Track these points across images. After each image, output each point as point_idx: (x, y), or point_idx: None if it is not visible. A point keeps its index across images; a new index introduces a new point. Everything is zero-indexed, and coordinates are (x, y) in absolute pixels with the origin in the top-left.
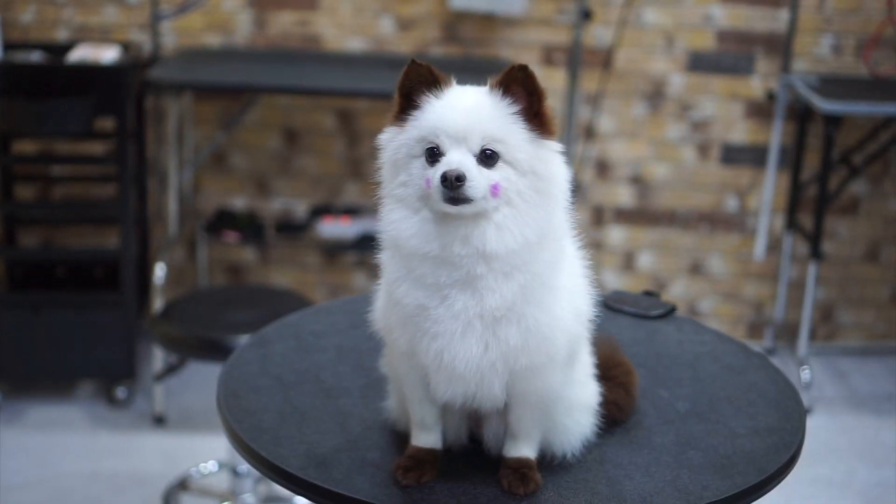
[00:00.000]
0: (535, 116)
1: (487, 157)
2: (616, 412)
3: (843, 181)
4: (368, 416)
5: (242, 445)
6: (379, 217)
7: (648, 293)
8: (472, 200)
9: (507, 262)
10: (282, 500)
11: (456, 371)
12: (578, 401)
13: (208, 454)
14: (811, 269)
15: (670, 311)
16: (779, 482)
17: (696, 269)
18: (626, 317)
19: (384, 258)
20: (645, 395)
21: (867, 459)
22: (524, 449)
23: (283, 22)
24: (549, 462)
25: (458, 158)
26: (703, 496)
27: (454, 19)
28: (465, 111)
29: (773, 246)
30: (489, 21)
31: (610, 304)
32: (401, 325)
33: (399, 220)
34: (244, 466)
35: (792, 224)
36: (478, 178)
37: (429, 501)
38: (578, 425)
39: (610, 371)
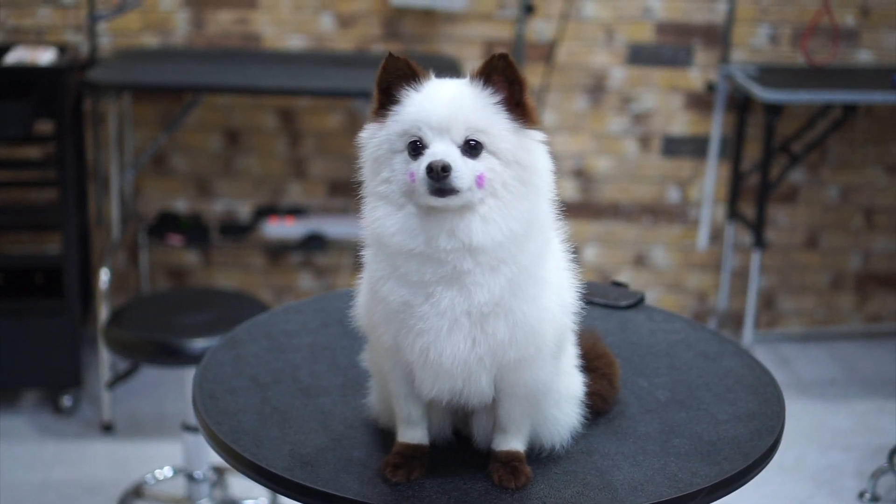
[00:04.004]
0: (517, 106)
1: (471, 148)
2: (600, 403)
3: (783, 170)
4: (350, 415)
5: (224, 448)
6: (361, 215)
7: (617, 283)
8: (458, 191)
9: (494, 256)
10: None
11: (443, 368)
12: (566, 392)
13: (159, 460)
14: (754, 258)
15: (639, 301)
16: (764, 466)
17: (640, 261)
18: (596, 308)
19: (367, 256)
20: (625, 385)
21: (815, 444)
22: (513, 442)
23: (222, 21)
24: (537, 454)
25: (443, 149)
26: (693, 483)
27: (395, 15)
28: (446, 102)
29: (716, 236)
30: (430, 17)
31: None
32: (385, 322)
33: (383, 217)
34: (200, 471)
35: (734, 213)
36: (463, 169)
37: (420, 498)
38: (566, 416)
39: (593, 362)
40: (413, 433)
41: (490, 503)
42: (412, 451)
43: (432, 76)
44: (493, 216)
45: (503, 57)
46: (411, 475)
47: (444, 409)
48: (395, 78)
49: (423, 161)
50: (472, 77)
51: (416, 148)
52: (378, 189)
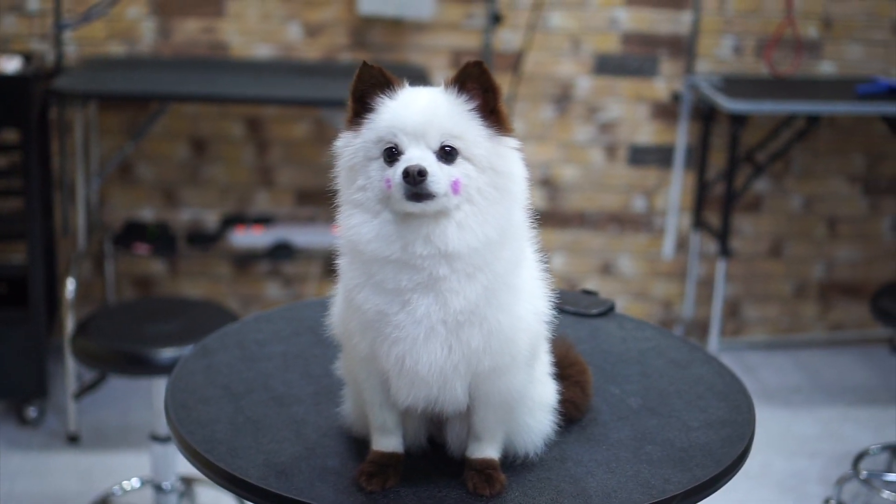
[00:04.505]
0: (492, 113)
1: (447, 154)
2: (573, 410)
3: (747, 179)
4: (323, 423)
5: (198, 458)
6: (336, 223)
7: (587, 292)
8: (434, 196)
9: (470, 263)
10: None
11: (419, 376)
12: (540, 400)
13: (126, 471)
14: (720, 267)
15: (610, 309)
16: (735, 473)
17: (606, 270)
18: (566, 316)
19: (342, 264)
20: (597, 393)
21: (781, 451)
22: (488, 450)
23: (189, 29)
24: (511, 462)
25: (419, 154)
26: (666, 489)
27: (362, 25)
28: (421, 109)
29: (681, 244)
30: (398, 26)
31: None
32: (360, 331)
33: (358, 225)
34: (168, 482)
35: (699, 222)
36: (439, 174)
37: None
38: (540, 424)
39: (565, 370)
40: (388, 441)
41: None
42: (387, 459)
43: (406, 84)
44: (469, 222)
45: (478, 64)
46: (386, 483)
47: (419, 417)
48: (369, 86)
49: (399, 166)
50: (447, 84)
51: (391, 154)
52: (354, 197)
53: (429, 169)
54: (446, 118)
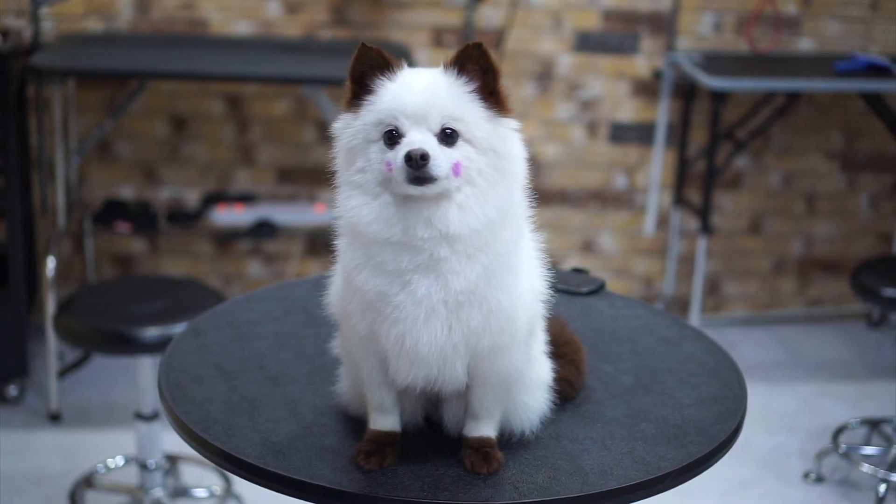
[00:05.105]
0: (492, 95)
1: (447, 136)
2: (568, 388)
3: (728, 156)
4: (319, 402)
5: (194, 437)
6: (334, 205)
7: (577, 270)
8: (436, 179)
9: (470, 244)
10: (191, 492)
11: (419, 355)
12: (536, 378)
13: (108, 450)
14: (701, 243)
15: (600, 287)
16: (729, 449)
17: (587, 247)
18: (557, 294)
19: (341, 245)
20: (590, 371)
21: (761, 426)
22: (485, 428)
23: (167, 6)
24: (508, 440)
25: (420, 138)
26: (661, 466)
27: (343, 2)
28: (422, 91)
29: (662, 221)
30: (378, 3)
31: None
32: (360, 311)
33: (358, 207)
34: (153, 460)
35: (679, 199)
36: (441, 157)
37: (393, 485)
38: (536, 402)
39: (560, 348)
40: (385, 420)
41: (463, 488)
42: (384, 437)
43: (405, 66)
44: (470, 204)
45: (478, 46)
46: (384, 462)
47: (417, 396)
48: (368, 68)
49: (401, 150)
50: (446, 66)
51: (392, 137)
52: (353, 179)
53: (431, 153)
54: (447, 100)
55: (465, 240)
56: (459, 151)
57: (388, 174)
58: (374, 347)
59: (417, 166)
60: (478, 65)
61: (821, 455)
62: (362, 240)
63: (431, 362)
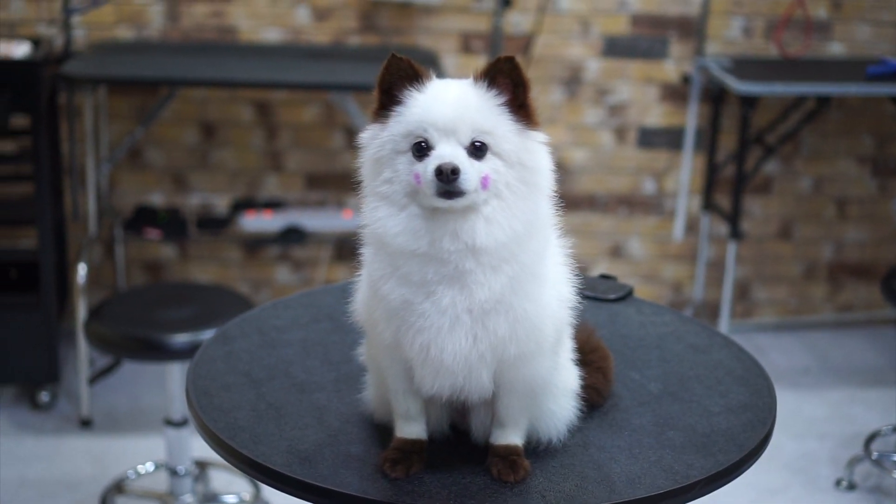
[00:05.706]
0: (521, 108)
1: (477, 150)
2: (595, 396)
3: (757, 161)
4: (345, 410)
5: (221, 445)
6: (360, 214)
7: (605, 276)
8: (465, 193)
9: (496, 256)
10: (220, 498)
11: (443, 364)
12: (563, 386)
13: (138, 456)
14: (730, 249)
15: (628, 294)
16: (758, 458)
17: (616, 252)
18: (585, 301)
19: (367, 254)
20: (617, 378)
21: (790, 432)
22: (512, 436)
23: (197, 14)
24: (535, 448)
25: (450, 151)
26: (689, 475)
27: (371, 8)
28: (452, 103)
29: (691, 226)
30: (406, 9)
31: None
32: (385, 319)
33: (385, 218)
34: (182, 466)
35: (709, 205)
36: (470, 171)
37: (419, 493)
38: (563, 410)
39: (587, 356)
40: (412, 428)
41: (490, 497)
42: (410, 445)
43: (434, 77)
44: (497, 217)
45: (509, 59)
46: (410, 470)
47: (443, 404)
48: (397, 78)
49: (431, 163)
50: (476, 78)
51: (420, 149)
52: (380, 189)
53: (461, 167)
54: (477, 114)
55: (491, 252)
56: (488, 164)
57: (416, 186)
58: (399, 355)
59: (448, 180)
60: (509, 78)
61: (852, 462)
62: (388, 250)
63: (456, 371)
